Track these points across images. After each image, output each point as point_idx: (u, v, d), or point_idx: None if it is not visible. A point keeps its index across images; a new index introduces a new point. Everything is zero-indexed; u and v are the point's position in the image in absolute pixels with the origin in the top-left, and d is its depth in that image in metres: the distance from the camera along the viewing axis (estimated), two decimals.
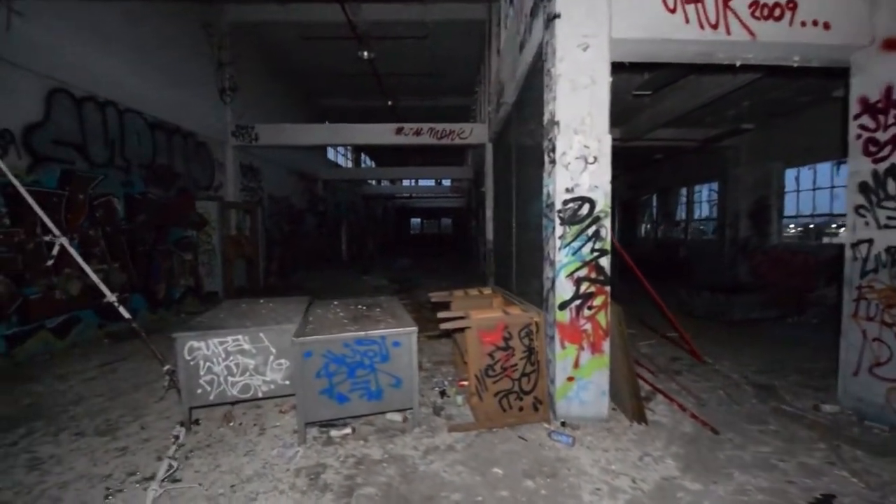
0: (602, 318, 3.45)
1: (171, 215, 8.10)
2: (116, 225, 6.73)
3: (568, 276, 3.39)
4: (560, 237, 3.38)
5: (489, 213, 10.27)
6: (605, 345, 3.48)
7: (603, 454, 3.02)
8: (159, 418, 3.65)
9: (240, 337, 3.41)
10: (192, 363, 3.31)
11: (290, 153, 13.47)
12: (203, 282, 9.13)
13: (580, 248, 3.39)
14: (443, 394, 4.07)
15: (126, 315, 3.80)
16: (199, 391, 3.35)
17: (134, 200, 7.10)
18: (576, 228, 3.38)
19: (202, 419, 3.58)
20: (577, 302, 3.41)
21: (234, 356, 3.40)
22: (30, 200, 3.66)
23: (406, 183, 34.11)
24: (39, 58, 5.46)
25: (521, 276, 6.58)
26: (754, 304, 7.36)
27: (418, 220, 48.24)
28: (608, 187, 3.37)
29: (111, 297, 3.78)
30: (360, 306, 4.27)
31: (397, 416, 3.56)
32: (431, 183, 34.56)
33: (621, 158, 11.83)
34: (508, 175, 7.20)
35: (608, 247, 3.41)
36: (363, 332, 3.21)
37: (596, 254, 3.40)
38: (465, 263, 17.74)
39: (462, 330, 3.56)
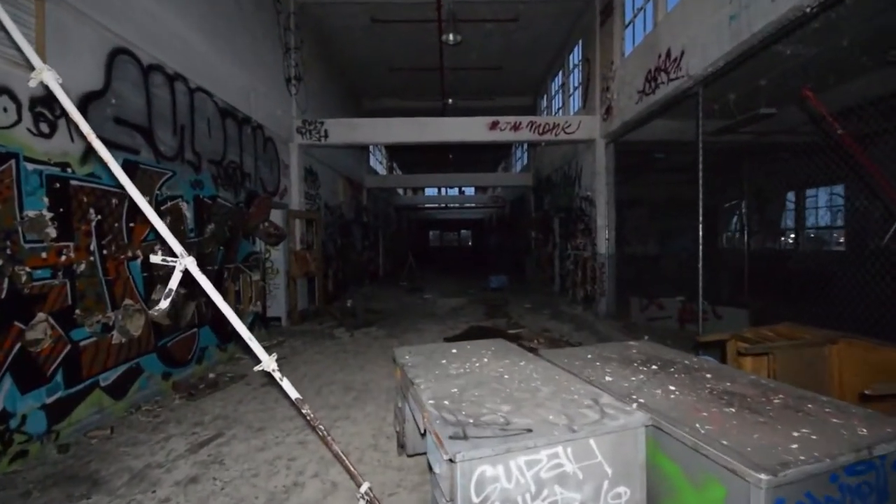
0: None
1: (247, 226, 6.46)
2: (184, 237, 5.07)
3: None
4: None
5: (601, 221, 8.65)
6: None
7: None
8: None
9: (559, 449, 1.73)
10: None
11: (340, 157, 11.92)
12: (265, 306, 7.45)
13: None
14: None
15: (294, 394, 2.14)
16: None
17: (203, 206, 5.45)
18: None
19: None
20: None
21: (551, 488, 1.72)
22: (145, 207, 1.99)
23: (428, 192, 32.44)
24: (103, 1, 3.88)
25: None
26: None
27: (437, 232, 46.54)
28: None
29: (270, 363, 2.11)
30: (640, 365, 2.60)
31: None
32: (455, 192, 32.90)
33: (708, 154, 10.22)
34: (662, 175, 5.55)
35: None
36: (865, 452, 1.53)
37: None
38: (517, 278, 16.04)
39: None
